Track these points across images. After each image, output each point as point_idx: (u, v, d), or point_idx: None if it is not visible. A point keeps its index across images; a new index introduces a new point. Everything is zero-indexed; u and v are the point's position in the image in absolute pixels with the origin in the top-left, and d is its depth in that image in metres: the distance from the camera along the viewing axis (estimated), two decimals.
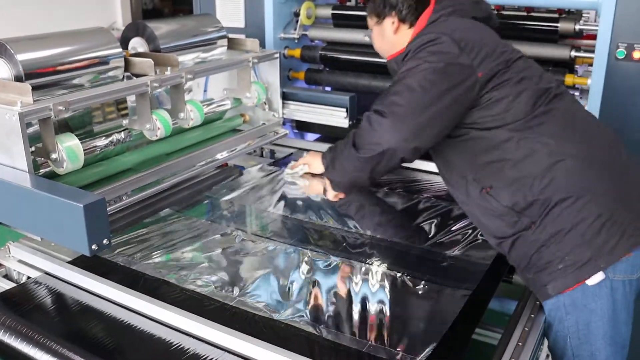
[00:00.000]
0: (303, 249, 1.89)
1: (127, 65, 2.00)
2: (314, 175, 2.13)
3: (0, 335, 1.47)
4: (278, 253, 1.87)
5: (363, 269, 1.77)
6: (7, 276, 1.84)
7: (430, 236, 1.94)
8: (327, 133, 2.77)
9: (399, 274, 1.74)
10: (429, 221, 2.03)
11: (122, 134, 2.01)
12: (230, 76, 2.59)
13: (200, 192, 2.32)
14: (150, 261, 1.79)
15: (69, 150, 1.74)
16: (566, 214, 1.57)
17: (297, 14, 2.84)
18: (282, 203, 2.24)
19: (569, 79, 2.28)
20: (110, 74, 1.94)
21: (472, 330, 1.53)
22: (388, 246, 1.94)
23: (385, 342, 1.45)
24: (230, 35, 2.50)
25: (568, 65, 2.35)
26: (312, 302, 1.62)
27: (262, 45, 2.71)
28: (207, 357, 1.39)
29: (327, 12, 2.85)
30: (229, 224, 2.07)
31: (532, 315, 1.64)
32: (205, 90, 2.73)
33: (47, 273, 1.74)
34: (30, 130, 1.72)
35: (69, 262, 1.75)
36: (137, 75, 2.00)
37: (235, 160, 2.53)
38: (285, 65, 2.90)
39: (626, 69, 2.09)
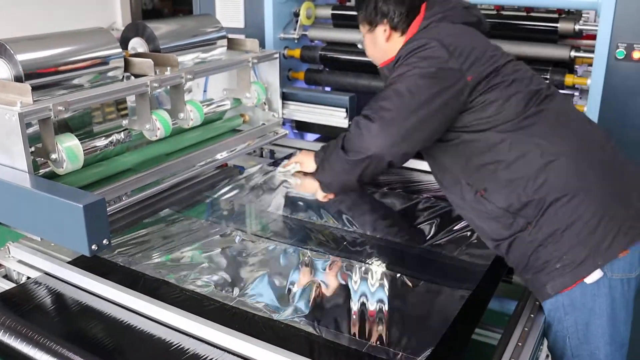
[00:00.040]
0: (303, 249, 1.89)
1: (127, 66, 2.00)
2: (305, 174, 2.12)
3: (0, 335, 1.47)
4: (278, 253, 1.87)
5: (363, 268, 1.77)
6: (6, 276, 1.84)
7: (430, 236, 1.95)
8: (327, 133, 2.77)
9: (398, 274, 1.74)
10: (428, 221, 2.04)
11: (122, 134, 2.01)
12: (230, 76, 2.59)
13: (200, 193, 2.32)
14: (150, 261, 1.79)
15: (69, 150, 1.74)
16: (561, 213, 1.58)
17: (296, 14, 2.84)
18: (281, 203, 2.25)
19: (568, 79, 2.28)
20: (110, 74, 1.94)
21: (472, 330, 1.53)
22: (388, 246, 1.94)
23: (385, 342, 1.45)
24: (230, 36, 2.50)
25: (568, 66, 2.35)
26: (311, 302, 1.63)
27: (262, 45, 2.72)
28: (206, 357, 1.39)
29: (327, 12, 2.85)
30: (228, 224, 2.07)
31: (532, 316, 1.64)
32: (205, 91, 2.73)
33: (46, 273, 1.74)
34: (30, 130, 1.73)
35: (68, 263, 1.75)
36: (137, 76, 2.00)
37: (235, 161, 2.53)
38: (285, 66, 2.90)
39: (626, 69, 2.09)
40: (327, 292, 1.70)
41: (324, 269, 1.80)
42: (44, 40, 1.80)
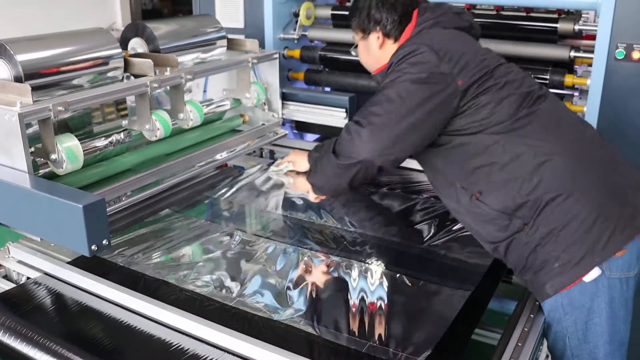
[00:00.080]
0: (303, 249, 1.89)
1: (127, 66, 2.00)
2: (298, 173, 2.14)
3: (0, 335, 1.47)
4: (278, 253, 1.87)
5: (362, 268, 1.77)
6: (6, 277, 1.84)
7: (429, 236, 1.95)
8: (327, 133, 2.77)
9: (398, 274, 1.74)
10: (428, 221, 2.04)
11: (122, 135, 2.01)
12: (230, 77, 2.60)
13: (200, 193, 2.32)
14: (149, 261, 1.79)
15: (69, 150, 1.74)
16: (557, 213, 1.58)
17: (296, 15, 2.84)
18: (281, 203, 2.25)
19: (568, 79, 2.28)
20: (110, 74, 1.94)
21: (471, 330, 1.53)
22: (388, 246, 1.94)
23: (385, 342, 1.45)
24: (230, 36, 2.50)
25: (567, 66, 2.36)
26: (311, 302, 1.63)
27: (262, 45, 2.72)
28: (206, 357, 1.39)
29: (327, 12, 2.85)
30: (228, 224, 2.08)
31: (532, 316, 1.64)
32: (204, 91, 2.73)
33: (46, 274, 1.74)
34: (30, 130, 1.73)
35: (68, 263, 1.75)
36: (137, 76, 2.01)
37: (234, 161, 2.53)
38: (285, 66, 2.90)
39: (625, 69, 2.09)
40: (327, 292, 1.70)
41: (324, 269, 1.80)
42: (44, 41, 1.80)
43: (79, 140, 1.79)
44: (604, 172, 1.65)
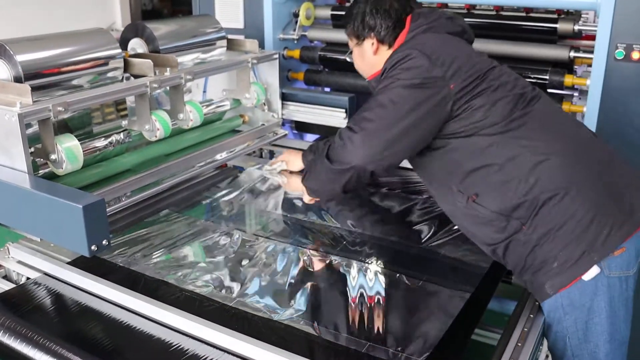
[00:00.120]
0: (302, 249, 1.89)
1: (127, 66, 2.00)
2: (291, 172, 2.19)
3: None
4: (277, 253, 1.87)
5: (362, 268, 1.78)
6: (6, 277, 1.84)
7: (430, 237, 1.95)
8: (327, 134, 2.77)
9: (398, 274, 1.75)
10: (428, 222, 2.04)
11: (122, 135, 2.01)
12: (230, 77, 2.59)
13: (200, 193, 2.32)
14: (149, 262, 1.79)
15: (68, 151, 1.74)
16: (555, 212, 1.58)
17: (296, 15, 2.84)
18: (281, 202, 2.25)
19: (568, 80, 2.28)
20: (110, 74, 1.94)
21: (471, 330, 1.53)
22: (388, 246, 1.94)
23: (385, 342, 1.45)
24: (230, 36, 2.50)
25: (567, 66, 2.36)
26: (311, 302, 1.63)
27: (262, 46, 2.72)
28: (206, 357, 1.39)
29: (326, 12, 2.85)
30: (228, 224, 2.08)
31: (532, 316, 1.64)
32: (204, 91, 2.73)
33: (46, 274, 1.74)
34: (30, 130, 1.73)
35: (68, 263, 1.75)
36: (137, 76, 2.00)
37: (234, 161, 2.53)
38: (285, 66, 2.90)
39: (625, 70, 2.09)
40: (327, 292, 1.70)
41: (324, 269, 1.80)
42: (44, 41, 1.80)
43: (79, 140, 1.79)
44: (600, 171, 1.65)
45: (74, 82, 1.83)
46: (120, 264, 1.78)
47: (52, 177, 1.78)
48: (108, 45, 1.94)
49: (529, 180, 1.60)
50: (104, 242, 1.49)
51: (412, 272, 1.75)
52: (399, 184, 2.31)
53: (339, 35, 2.78)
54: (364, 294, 1.66)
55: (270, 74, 2.62)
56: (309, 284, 1.72)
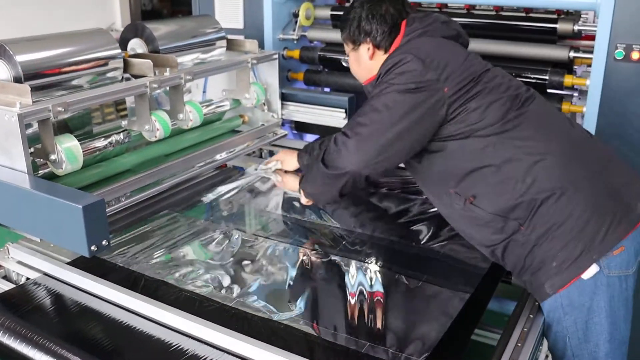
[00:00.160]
0: (302, 249, 1.89)
1: (126, 67, 2.00)
2: (286, 171, 2.22)
3: None
4: (277, 253, 1.87)
5: (362, 268, 1.78)
6: (6, 277, 1.84)
7: (429, 236, 1.95)
8: (326, 134, 2.76)
9: (398, 274, 1.74)
10: (428, 222, 2.04)
11: (121, 135, 2.01)
12: (229, 77, 2.59)
13: (200, 193, 2.32)
14: (149, 262, 1.79)
15: (68, 151, 1.74)
16: (552, 212, 1.59)
17: (296, 15, 2.84)
18: (280, 202, 2.25)
19: (567, 80, 2.28)
20: (110, 75, 1.94)
21: (471, 330, 1.53)
22: (387, 246, 1.94)
23: (384, 342, 1.45)
24: (229, 36, 2.50)
25: (567, 66, 2.36)
26: (311, 302, 1.63)
27: (261, 46, 2.72)
28: (206, 357, 1.39)
29: (326, 12, 2.85)
30: (228, 224, 2.08)
31: (531, 316, 1.65)
32: (204, 91, 2.73)
33: (46, 274, 1.74)
34: (30, 131, 1.73)
35: (68, 263, 1.75)
36: (136, 77, 2.00)
37: (234, 161, 2.53)
38: (284, 66, 2.90)
39: (625, 70, 2.09)
40: (326, 292, 1.70)
41: (323, 269, 1.80)
42: (43, 41, 1.80)
43: (79, 140, 1.79)
44: (597, 169, 1.66)
45: (74, 83, 1.83)
46: (120, 264, 1.78)
47: (51, 177, 1.78)
48: (108, 46, 1.94)
49: (526, 180, 1.60)
50: (103, 242, 1.49)
51: (411, 272, 1.75)
52: (399, 184, 2.31)
53: (339, 36, 2.74)
54: (364, 294, 1.66)
55: (270, 74, 2.62)
56: (308, 284, 1.72)
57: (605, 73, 2.11)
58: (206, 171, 2.35)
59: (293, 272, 1.76)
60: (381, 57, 1.86)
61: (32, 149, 1.71)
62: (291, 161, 2.22)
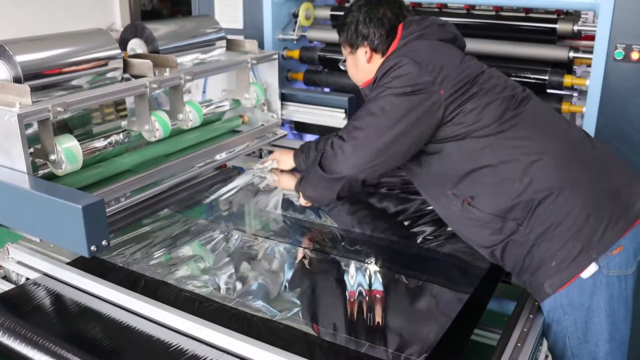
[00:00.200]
0: (302, 249, 1.89)
1: (126, 67, 2.00)
2: (282, 171, 2.25)
3: None
4: (277, 252, 1.87)
5: (362, 268, 1.78)
6: (5, 277, 1.84)
7: (429, 237, 1.95)
8: (326, 134, 2.77)
9: (397, 274, 1.75)
10: (428, 222, 2.04)
11: (121, 135, 2.01)
12: (229, 77, 2.59)
13: (199, 193, 2.32)
14: (149, 262, 1.79)
15: (68, 151, 1.74)
16: (550, 211, 1.59)
17: (295, 15, 2.84)
18: (280, 202, 2.25)
19: (567, 80, 2.28)
20: (109, 75, 1.94)
21: (471, 330, 1.53)
22: (387, 246, 1.94)
23: (384, 342, 1.45)
24: (229, 37, 2.50)
25: (566, 66, 2.36)
26: (310, 302, 1.63)
27: (261, 46, 2.72)
28: (206, 357, 1.39)
29: (326, 13, 2.85)
30: (227, 224, 2.08)
31: (531, 316, 1.65)
32: (204, 92, 2.73)
33: (45, 274, 1.74)
34: (30, 131, 1.73)
35: (67, 264, 1.75)
36: (136, 77, 2.00)
37: (234, 162, 2.53)
38: (284, 66, 2.90)
39: (624, 70, 2.09)
40: (326, 292, 1.70)
41: (323, 269, 1.80)
42: (43, 42, 1.80)
43: (78, 140, 1.79)
44: (595, 169, 1.66)
45: (74, 83, 1.83)
46: (120, 265, 1.78)
47: (51, 177, 1.78)
48: (107, 46, 1.94)
49: (523, 180, 1.61)
50: (103, 242, 1.49)
51: (411, 272, 1.75)
52: (399, 184, 2.31)
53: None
54: (363, 294, 1.66)
55: (270, 74, 2.62)
56: (308, 284, 1.72)
57: (604, 73, 2.11)
58: (206, 171, 2.35)
59: (292, 272, 1.76)
60: (379, 60, 1.87)
61: (31, 149, 1.71)
62: (287, 160, 2.25)
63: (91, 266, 1.71)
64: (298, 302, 1.61)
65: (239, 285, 1.68)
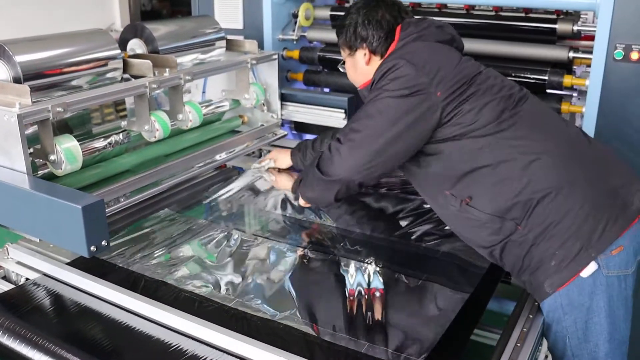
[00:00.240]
0: (301, 249, 1.89)
1: (126, 67, 2.00)
2: (279, 170, 2.27)
3: None
4: (277, 253, 1.87)
5: (362, 268, 1.78)
6: (5, 278, 1.84)
7: (429, 236, 1.95)
8: None
9: (397, 274, 1.75)
10: (427, 222, 2.04)
11: (121, 136, 2.01)
12: (229, 77, 2.60)
13: (199, 193, 2.32)
14: (148, 262, 1.79)
15: (68, 151, 1.74)
16: (549, 210, 1.59)
17: (295, 15, 2.84)
18: (280, 202, 2.25)
19: (567, 80, 2.28)
20: (109, 75, 1.94)
21: (470, 331, 1.53)
22: (387, 246, 1.94)
23: (384, 343, 1.45)
24: (229, 37, 2.50)
25: (566, 66, 2.36)
26: (310, 302, 1.63)
27: (261, 46, 2.72)
28: (205, 358, 1.39)
29: (326, 13, 2.85)
30: (227, 224, 2.08)
31: (531, 316, 1.65)
32: (203, 92, 2.73)
33: (45, 274, 1.74)
34: (30, 131, 1.73)
35: (67, 264, 1.75)
36: (136, 77, 2.00)
37: (233, 162, 2.53)
38: (284, 67, 2.90)
39: (624, 70, 2.09)
40: (326, 292, 1.70)
41: (323, 269, 1.80)
42: (43, 42, 1.80)
43: (78, 141, 1.79)
44: (594, 169, 1.66)
45: (73, 83, 1.83)
46: (120, 265, 1.78)
47: (51, 177, 1.78)
48: (107, 46, 1.94)
49: (522, 180, 1.61)
50: (103, 242, 1.49)
51: (411, 272, 1.75)
52: (398, 184, 2.31)
53: None
54: (363, 294, 1.66)
55: (270, 74, 2.62)
56: (308, 284, 1.72)
57: (604, 73, 2.11)
58: (206, 171, 2.35)
59: (292, 272, 1.76)
60: (377, 62, 1.87)
61: (31, 150, 1.71)
62: (284, 159, 2.26)
63: (91, 266, 1.71)
64: (298, 302, 1.61)
65: (238, 286, 1.68)
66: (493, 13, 2.57)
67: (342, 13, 2.76)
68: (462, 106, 1.67)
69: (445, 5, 2.68)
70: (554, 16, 2.45)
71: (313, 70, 2.93)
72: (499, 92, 1.71)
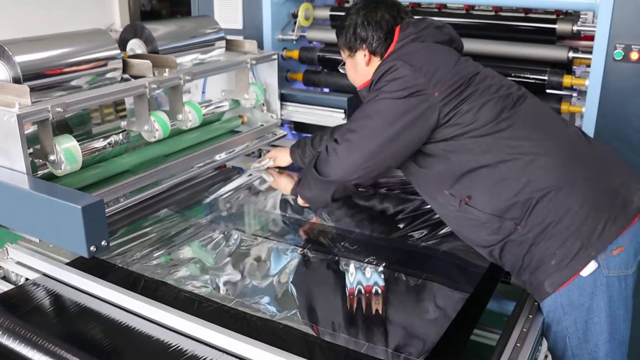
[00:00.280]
0: (301, 249, 1.89)
1: (125, 67, 2.00)
2: (279, 171, 2.28)
3: None
4: (277, 253, 1.87)
5: (362, 268, 1.78)
6: (5, 278, 1.83)
7: (429, 236, 1.95)
8: None
9: (397, 274, 1.75)
10: (427, 222, 2.04)
11: (121, 136, 2.01)
12: (229, 77, 2.60)
13: (199, 193, 2.32)
14: (148, 262, 1.79)
15: (67, 151, 1.74)
16: (549, 210, 1.59)
17: (295, 15, 2.84)
18: (280, 202, 2.25)
19: (566, 80, 2.28)
20: (109, 75, 1.94)
21: (470, 330, 1.53)
22: (387, 245, 1.94)
23: (384, 343, 1.45)
24: (229, 37, 2.50)
25: (566, 67, 2.36)
26: (310, 302, 1.63)
27: (260, 46, 2.72)
28: (205, 358, 1.39)
29: (325, 13, 2.85)
30: (227, 224, 2.08)
31: (531, 316, 1.64)
32: (203, 92, 2.73)
33: (45, 275, 1.74)
34: (30, 130, 1.73)
35: (67, 264, 1.74)
36: (135, 77, 2.00)
37: (233, 162, 2.53)
38: (284, 67, 2.90)
39: (624, 70, 2.09)
40: (326, 292, 1.70)
41: (323, 269, 1.80)
42: (43, 42, 1.80)
43: (78, 141, 1.79)
44: (593, 168, 1.67)
45: (73, 83, 1.83)
46: (119, 265, 1.78)
47: (51, 177, 1.78)
48: (107, 46, 1.94)
49: (521, 180, 1.61)
50: (102, 242, 1.49)
51: (411, 272, 1.75)
52: (398, 184, 2.31)
53: None
54: (363, 294, 1.66)
55: (269, 74, 2.62)
56: (307, 284, 1.72)
57: (604, 73, 2.11)
58: (205, 171, 2.35)
59: (292, 272, 1.76)
60: (377, 62, 1.88)
61: (31, 150, 1.71)
62: (284, 157, 2.27)
63: (91, 266, 1.71)
64: (297, 302, 1.61)
65: (238, 286, 1.68)
66: (493, 13, 2.57)
67: (342, 13, 2.78)
68: (461, 106, 1.67)
69: (444, 6, 2.68)
70: (554, 16, 2.45)
71: (313, 71, 2.93)
72: (497, 92, 1.71)
